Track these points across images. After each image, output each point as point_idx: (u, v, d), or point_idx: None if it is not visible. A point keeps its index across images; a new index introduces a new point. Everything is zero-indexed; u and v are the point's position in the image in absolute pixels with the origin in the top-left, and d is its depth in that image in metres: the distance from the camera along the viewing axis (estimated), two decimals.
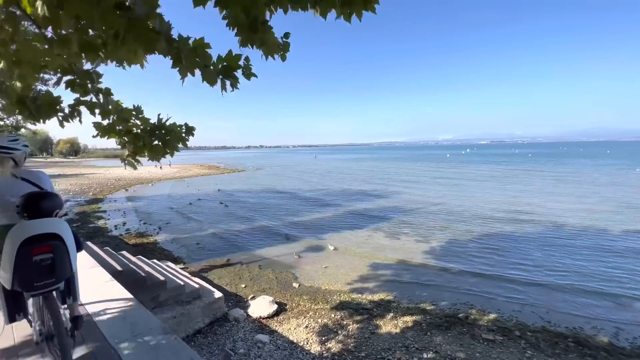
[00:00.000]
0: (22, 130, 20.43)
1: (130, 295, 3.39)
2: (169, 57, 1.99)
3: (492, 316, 5.42)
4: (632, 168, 31.93)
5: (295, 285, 6.77)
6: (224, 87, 2.15)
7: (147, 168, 46.67)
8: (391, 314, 5.43)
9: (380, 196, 18.95)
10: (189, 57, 1.94)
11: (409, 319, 5.21)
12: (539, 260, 8.03)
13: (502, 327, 5.01)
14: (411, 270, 7.70)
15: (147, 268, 5.00)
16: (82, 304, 3.07)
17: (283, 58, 2.15)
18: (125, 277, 4.28)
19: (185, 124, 2.89)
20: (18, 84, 2.25)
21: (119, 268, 4.26)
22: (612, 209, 13.52)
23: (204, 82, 2.10)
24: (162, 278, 4.61)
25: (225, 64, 2.11)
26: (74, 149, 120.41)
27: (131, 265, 4.69)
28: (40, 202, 1.94)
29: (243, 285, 6.70)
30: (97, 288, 3.58)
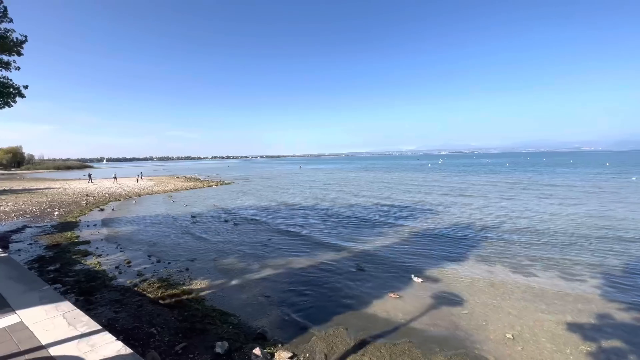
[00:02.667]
0: None
1: None
2: None
3: None
4: (627, 176, 32.79)
5: None
6: None
7: (119, 180, 40.34)
8: None
9: (424, 210, 16.45)
10: None
11: None
12: None
13: None
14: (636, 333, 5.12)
15: None
16: None
17: None
18: None
19: None
20: None
21: None
22: None
23: None
24: None
25: None
26: (16, 160, 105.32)
27: None
28: None
29: None
30: None
